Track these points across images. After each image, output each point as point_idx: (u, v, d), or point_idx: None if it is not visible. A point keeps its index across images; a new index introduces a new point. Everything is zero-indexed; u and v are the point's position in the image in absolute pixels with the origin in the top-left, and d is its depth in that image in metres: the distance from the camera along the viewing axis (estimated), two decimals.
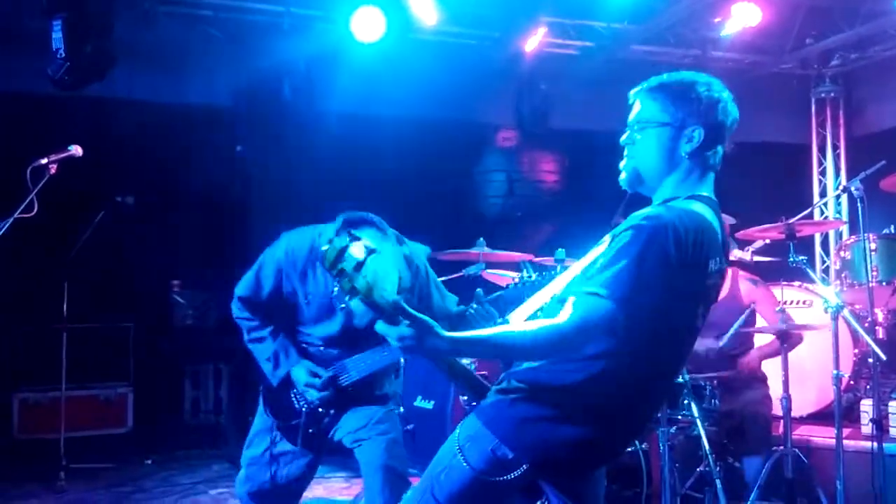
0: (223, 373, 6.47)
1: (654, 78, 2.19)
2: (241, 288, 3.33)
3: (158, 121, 6.13)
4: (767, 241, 4.83)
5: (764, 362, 4.25)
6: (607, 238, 2.10)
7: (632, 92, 2.21)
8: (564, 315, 1.93)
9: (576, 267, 2.15)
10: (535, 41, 6.59)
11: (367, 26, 6.02)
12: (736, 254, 4.84)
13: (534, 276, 2.56)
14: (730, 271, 4.38)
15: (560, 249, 4.64)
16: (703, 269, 2.06)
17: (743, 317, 4.08)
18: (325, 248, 1.93)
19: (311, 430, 3.24)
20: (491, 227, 6.88)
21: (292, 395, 3.27)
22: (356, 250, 2.10)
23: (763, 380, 4.26)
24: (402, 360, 3.28)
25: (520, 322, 2.08)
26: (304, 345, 3.33)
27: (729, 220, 4.63)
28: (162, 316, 6.39)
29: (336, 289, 2.50)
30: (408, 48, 6.35)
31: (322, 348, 3.30)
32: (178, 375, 6.50)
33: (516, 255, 5.04)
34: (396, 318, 1.92)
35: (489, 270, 4.83)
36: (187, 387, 6.52)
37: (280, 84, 6.18)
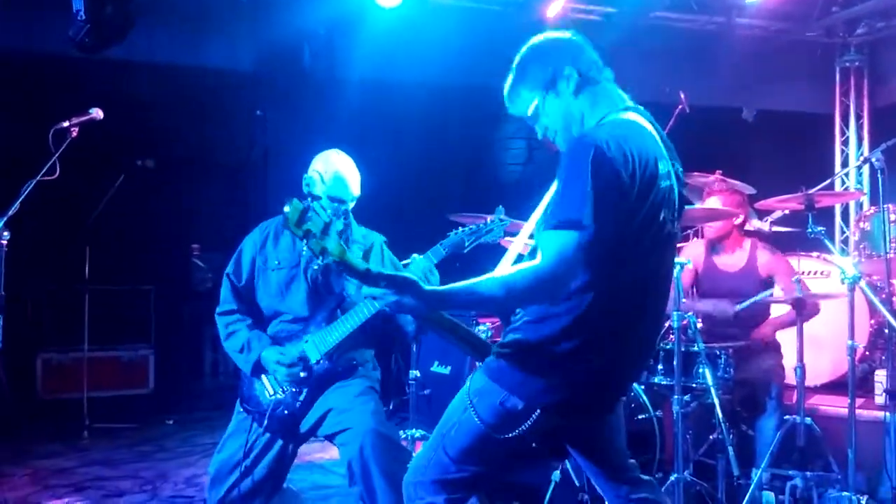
0: None
1: (505, 86, 2.30)
2: (229, 266, 3.49)
3: (179, 84, 6.18)
4: (787, 211, 4.81)
5: (779, 332, 4.27)
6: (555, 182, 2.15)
7: (507, 106, 2.31)
8: (539, 257, 1.95)
9: (535, 214, 2.22)
10: (557, 6, 6.53)
11: None
12: (754, 224, 4.83)
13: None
14: (748, 241, 4.39)
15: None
16: (654, 172, 2.08)
17: (766, 293, 4.09)
18: (286, 208, 1.91)
19: (285, 412, 3.26)
20: (510, 194, 6.88)
21: (265, 380, 3.32)
22: (319, 212, 2.09)
23: (777, 349, 4.28)
24: (364, 321, 3.24)
25: (507, 269, 2.10)
26: (275, 330, 3.39)
27: (748, 189, 4.63)
28: (182, 279, 6.48)
29: (305, 250, 2.51)
30: (428, 14, 6.34)
31: (289, 323, 3.36)
32: (199, 338, 6.59)
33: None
34: (373, 280, 1.96)
35: (508, 238, 4.83)
36: (207, 349, 6.62)
37: (300, 49, 6.19)
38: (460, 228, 3.41)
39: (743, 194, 4.47)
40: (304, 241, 1.92)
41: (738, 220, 4.34)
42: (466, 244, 3.37)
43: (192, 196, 6.35)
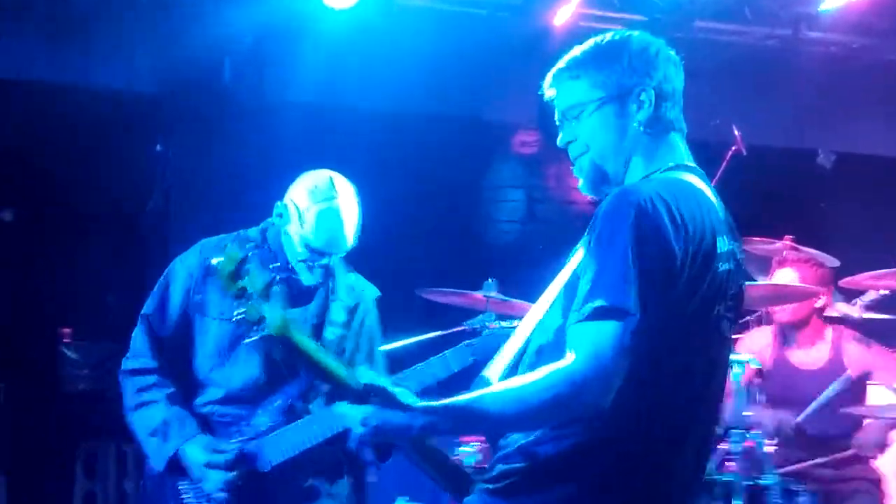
0: (128, 456, 6.36)
1: (566, 57, 2.34)
2: (147, 305, 3.37)
3: (50, 109, 6.09)
4: (884, 291, 4.78)
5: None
6: (581, 249, 2.17)
7: (546, 82, 2.36)
8: (570, 354, 1.96)
9: (548, 293, 2.23)
10: (566, 12, 6.60)
11: None
12: (840, 308, 4.79)
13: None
14: (830, 330, 4.35)
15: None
16: (711, 250, 2.11)
17: (836, 385, 4.06)
18: (216, 260, 1.97)
19: None
20: (504, 263, 6.81)
21: (182, 488, 3.21)
22: (260, 264, 2.08)
23: (876, 482, 4.22)
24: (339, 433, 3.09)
25: (518, 377, 2.08)
26: (206, 412, 3.28)
27: (831, 261, 4.61)
28: (46, 376, 6.32)
29: (238, 313, 2.41)
30: (393, 19, 6.35)
31: (224, 403, 3.26)
32: (68, 459, 6.41)
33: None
34: (344, 383, 2.02)
35: (501, 324, 4.78)
36: (79, 474, 6.43)
37: (218, 64, 6.17)
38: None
39: (825, 267, 4.46)
40: (238, 301, 1.98)
41: (820, 302, 4.36)
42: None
43: (65, 261, 6.23)
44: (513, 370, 2.21)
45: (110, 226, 6.38)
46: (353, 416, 2.05)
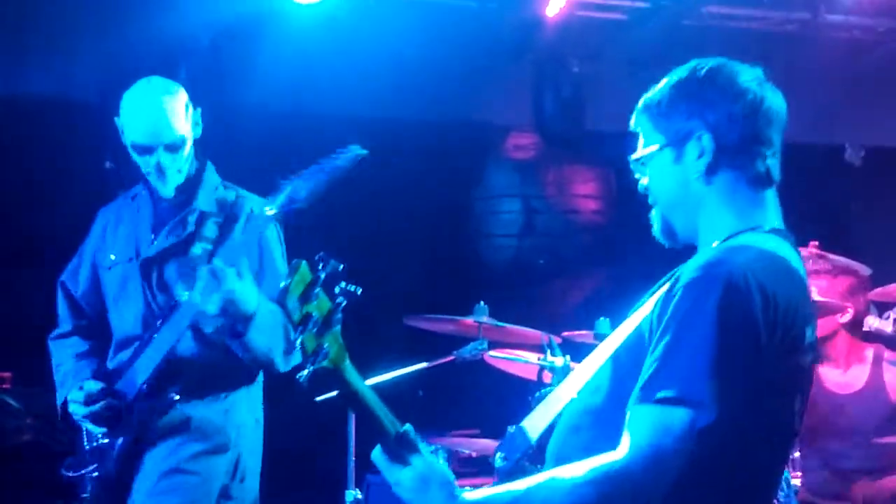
0: None
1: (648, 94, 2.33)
2: (66, 270, 3.87)
3: None
4: None
5: None
6: (654, 299, 2.15)
7: (632, 121, 2.35)
8: (624, 443, 1.95)
9: (603, 349, 2.21)
10: (560, 2, 6.53)
11: None
12: (870, 323, 4.74)
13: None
14: (871, 349, 4.38)
15: (603, 319, 4.57)
16: (800, 340, 2.10)
17: None
18: (283, 283, 2.01)
19: (95, 474, 3.50)
20: (498, 283, 6.76)
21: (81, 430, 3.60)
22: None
23: None
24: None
25: (568, 468, 2.04)
26: (114, 364, 3.61)
27: (862, 269, 4.56)
28: None
29: (297, 340, 2.46)
30: (367, 14, 6.32)
31: (121, 348, 3.59)
32: None
33: (532, 333, 4.88)
34: (383, 429, 2.09)
35: (492, 353, 4.73)
36: None
37: (174, 68, 6.08)
38: None
39: (856, 276, 4.41)
40: (297, 330, 2.02)
41: (845, 317, 4.34)
42: None
43: (2, 293, 6.14)
44: (549, 433, 2.25)
45: (54, 253, 6.26)
46: (387, 471, 2.11)
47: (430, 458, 2.10)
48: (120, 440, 3.45)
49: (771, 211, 2.25)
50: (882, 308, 4.92)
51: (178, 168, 3.58)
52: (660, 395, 1.95)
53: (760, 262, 2.07)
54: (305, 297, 2.02)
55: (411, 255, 6.74)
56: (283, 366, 3.47)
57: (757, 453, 2.09)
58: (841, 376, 4.35)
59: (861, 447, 4.10)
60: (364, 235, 6.42)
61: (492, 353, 4.74)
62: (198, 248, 3.53)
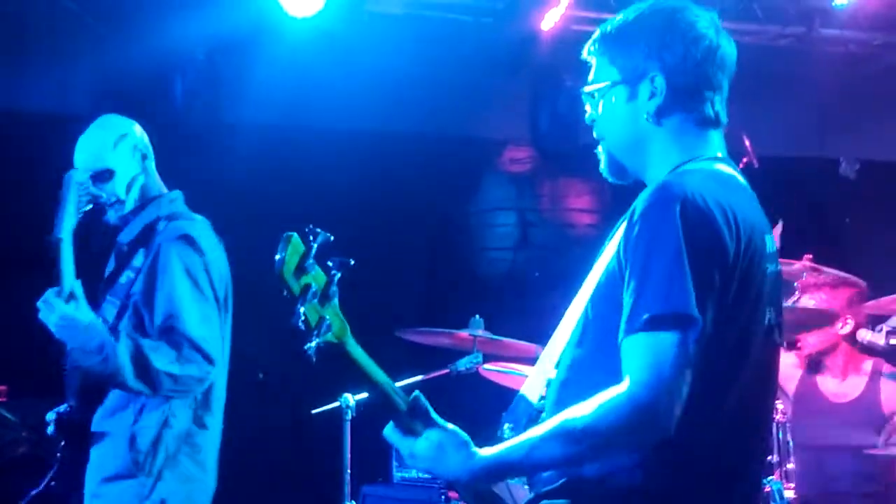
0: None
1: (607, 25, 2.33)
2: None
3: None
4: None
5: None
6: (616, 239, 2.16)
7: (584, 49, 2.36)
8: (625, 378, 1.94)
9: (582, 298, 2.24)
10: (555, 15, 6.56)
11: None
12: (863, 336, 4.75)
13: None
14: (869, 362, 4.42)
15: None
16: (760, 249, 2.12)
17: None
18: (278, 255, 2.01)
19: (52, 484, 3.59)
20: (493, 297, 6.74)
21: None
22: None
23: None
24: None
25: (573, 409, 2.03)
26: None
27: (856, 282, 4.57)
28: None
29: (299, 315, 2.49)
30: (364, 27, 6.34)
31: None
32: None
33: (528, 346, 4.87)
34: (392, 402, 2.14)
35: (486, 367, 4.76)
36: None
37: (169, 83, 6.13)
38: None
39: (857, 287, 4.45)
40: (299, 303, 2.02)
41: (846, 329, 4.36)
42: None
43: None
44: (548, 386, 2.28)
45: (49, 264, 6.28)
46: (400, 445, 2.13)
47: (442, 423, 2.12)
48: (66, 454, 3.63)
49: (715, 143, 2.27)
50: (876, 321, 4.95)
51: (112, 198, 3.78)
52: (645, 318, 1.95)
53: (710, 181, 2.11)
54: (301, 269, 2.02)
55: (407, 268, 6.74)
56: (134, 385, 3.48)
57: (743, 363, 2.09)
58: (838, 386, 4.37)
59: (854, 457, 4.10)
60: (359, 247, 6.43)
61: (487, 366, 4.72)
62: (123, 278, 3.70)
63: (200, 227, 3.72)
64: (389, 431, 2.14)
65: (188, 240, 3.60)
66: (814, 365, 4.45)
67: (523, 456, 2.03)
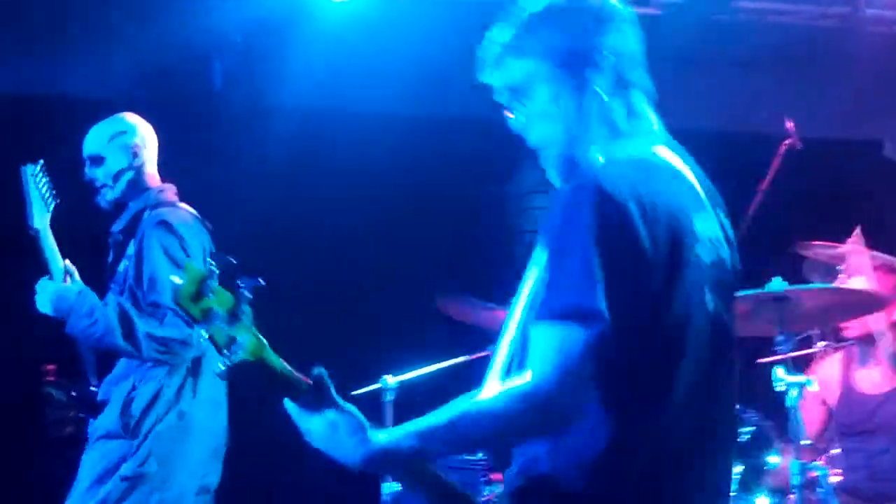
0: None
1: (498, 33, 2.35)
2: None
3: (21, 122, 6.10)
4: None
5: None
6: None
7: (481, 68, 2.40)
8: (528, 371, 1.97)
9: (528, 283, 2.23)
10: None
11: None
12: None
13: None
14: None
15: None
16: (689, 235, 2.09)
17: None
18: (177, 279, 2.04)
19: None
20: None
21: None
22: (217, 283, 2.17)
23: None
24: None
25: (481, 397, 2.10)
26: None
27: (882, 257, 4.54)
28: (27, 422, 6.28)
29: (204, 338, 2.60)
30: (401, 10, 6.35)
31: None
32: None
33: None
34: (296, 388, 2.11)
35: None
36: None
37: (207, 67, 6.17)
38: None
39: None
40: (201, 326, 2.05)
41: None
42: None
43: None
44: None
45: (97, 247, 6.37)
46: (298, 419, 2.14)
47: (341, 404, 2.12)
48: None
49: (647, 120, 2.29)
50: None
51: (102, 182, 4.35)
52: (551, 310, 1.97)
53: (629, 168, 2.10)
54: (199, 294, 2.03)
55: (443, 252, 6.76)
56: (124, 346, 4.03)
57: (672, 356, 2.07)
58: (878, 375, 4.37)
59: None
60: (396, 230, 6.46)
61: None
62: (121, 266, 4.29)
63: (179, 213, 4.25)
64: (289, 403, 2.14)
65: (166, 225, 4.12)
66: (858, 358, 4.42)
67: (421, 442, 2.05)
